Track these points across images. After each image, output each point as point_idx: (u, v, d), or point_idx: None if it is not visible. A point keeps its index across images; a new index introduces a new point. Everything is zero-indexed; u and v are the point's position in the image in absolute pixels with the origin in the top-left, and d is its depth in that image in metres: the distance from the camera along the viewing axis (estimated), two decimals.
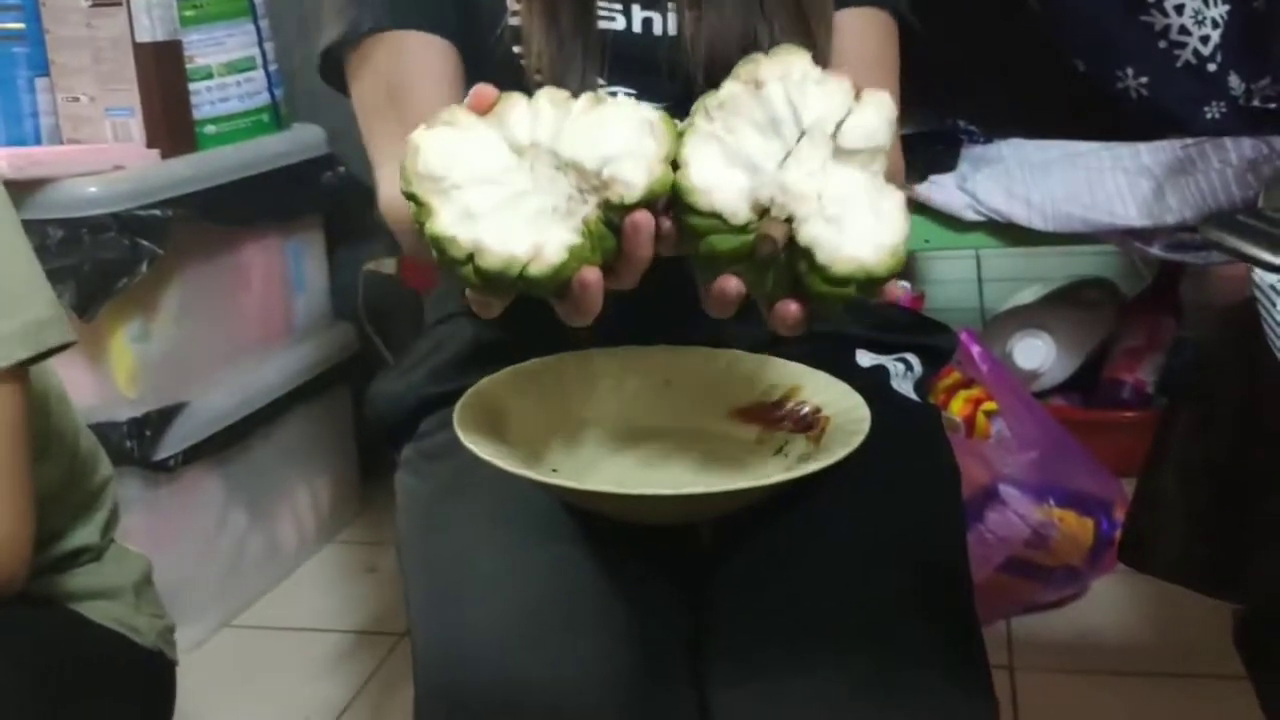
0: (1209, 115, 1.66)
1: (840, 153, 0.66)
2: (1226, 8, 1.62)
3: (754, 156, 0.66)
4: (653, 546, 0.81)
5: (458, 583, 0.78)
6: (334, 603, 1.73)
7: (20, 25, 1.57)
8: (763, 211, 0.65)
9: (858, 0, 0.95)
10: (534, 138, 0.66)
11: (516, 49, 0.89)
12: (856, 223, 0.65)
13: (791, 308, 0.66)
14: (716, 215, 0.65)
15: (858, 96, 0.67)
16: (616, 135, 0.65)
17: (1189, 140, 1.66)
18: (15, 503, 0.81)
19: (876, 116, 0.66)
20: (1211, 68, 1.63)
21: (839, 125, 0.66)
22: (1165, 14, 1.60)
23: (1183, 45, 1.62)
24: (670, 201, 0.66)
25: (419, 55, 0.91)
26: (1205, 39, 1.62)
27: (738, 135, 0.66)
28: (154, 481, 1.53)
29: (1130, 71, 1.64)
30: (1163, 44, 1.62)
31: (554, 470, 0.80)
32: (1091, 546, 1.48)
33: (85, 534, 0.96)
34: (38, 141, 1.61)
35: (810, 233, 0.64)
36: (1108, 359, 1.92)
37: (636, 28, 0.90)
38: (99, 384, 1.48)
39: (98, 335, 1.46)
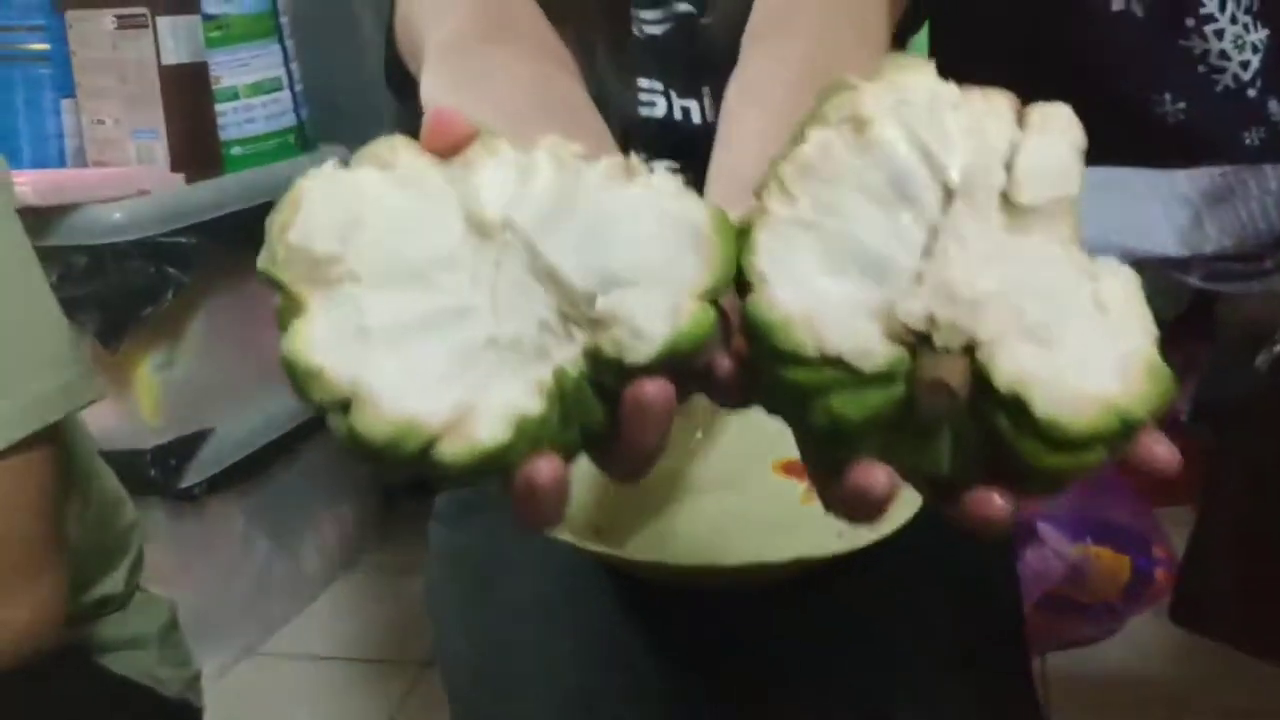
0: (1248, 141, 1.63)
1: (1018, 215, 0.41)
2: (1266, 33, 1.59)
3: (878, 248, 0.41)
4: (698, 601, 0.79)
5: (500, 654, 0.76)
6: (358, 630, 1.71)
7: (46, 46, 1.56)
8: (915, 340, 0.39)
9: None
10: (509, 215, 0.41)
11: None
12: (1079, 333, 0.39)
13: (994, 502, 0.40)
14: (834, 361, 0.39)
15: (1020, 117, 0.41)
16: (636, 240, 0.41)
17: (1227, 167, 1.63)
18: (49, 570, 0.79)
19: (1060, 144, 0.41)
20: (1251, 93, 1.60)
21: (1008, 169, 0.41)
22: (1205, 39, 1.57)
23: (1222, 70, 1.59)
24: (746, 336, 0.41)
25: None
26: (1245, 64, 1.59)
27: (843, 216, 0.41)
28: (178, 511, 1.52)
29: (1168, 96, 1.60)
30: (1201, 69, 1.59)
31: (597, 529, 0.79)
32: (1127, 583, 1.46)
33: (109, 583, 0.94)
34: (62, 163, 1.60)
35: (1014, 365, 0.38)
36: None
37: (678, 115, 0.86)
38: (122, 412, 1.47)
39: (121, 363, 1.45)
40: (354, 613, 1.76)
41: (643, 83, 0.84)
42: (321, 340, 0.38)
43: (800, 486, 0.84)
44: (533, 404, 0.39)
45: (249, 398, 1.63)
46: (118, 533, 0.97)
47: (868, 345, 0.39)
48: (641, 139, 0.82)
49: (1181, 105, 1.62)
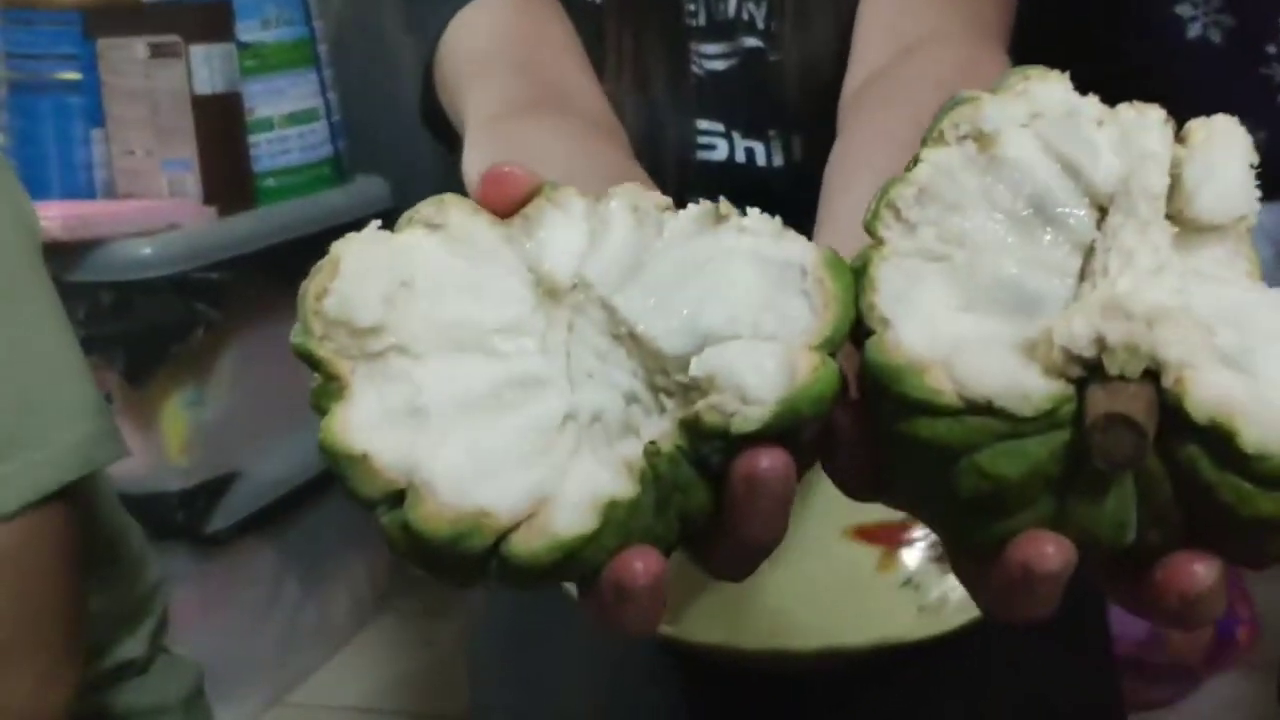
0: None
1: (1190, 234, 0.35)
2: None
3: (1022, 277, 0.35)
4: (764, 684, 0.72)
5: None
6: (389, 679, 1.64)
7: (77, 75, 1.51)
8: (1082, 370, 0.32)
9: None
10: (582, 272, 0.36)
11: None
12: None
13: (1195, 572, 0.33)
14: (981, 407, 0.32)
15: (1180, 132, 0.36)
16: (734, 289, 0.34)
17: None
18: (60, 643, 0.73)
19: (1233, 158, 0.36)
20: None
21: (1175, 181, 0.35)
22: None
23: None
24: (866, 392, 0.35)
25: (557, 19, 0.70)
26: None
27: (975, 244, 0.35)
28: (205, 555, 1.46)
29: (1247, 126, 1.53)
30: None
31: None
32: (1209, 645, 1.37)
33: (130, 647, 0.88)
34: (92, 195, 1.55)
35: (1212, 390, 0.31)
36: None
37: (740, 157, 0.80)
38: (149, 453, 1.41)
39: (149, 402, 1.39)
40: (386, 660, 1.69)
41: (702, 124, 0.79)
42: (367, 423, 0.33)
43: (875, 553, 0.77)
44: (622, 487, 0.33)
45: (280, 438, 1.57)
46: (141, 594, 0.91)
47: (1023, 383, 0.32)
48: (700, 184, 0.76)
49: (1262, 135, 1.55)
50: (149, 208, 1.43)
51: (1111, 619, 1.32)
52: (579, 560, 0.33)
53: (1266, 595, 1.40)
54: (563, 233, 0.36)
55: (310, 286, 0.35)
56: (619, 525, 0.33)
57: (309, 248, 1.54)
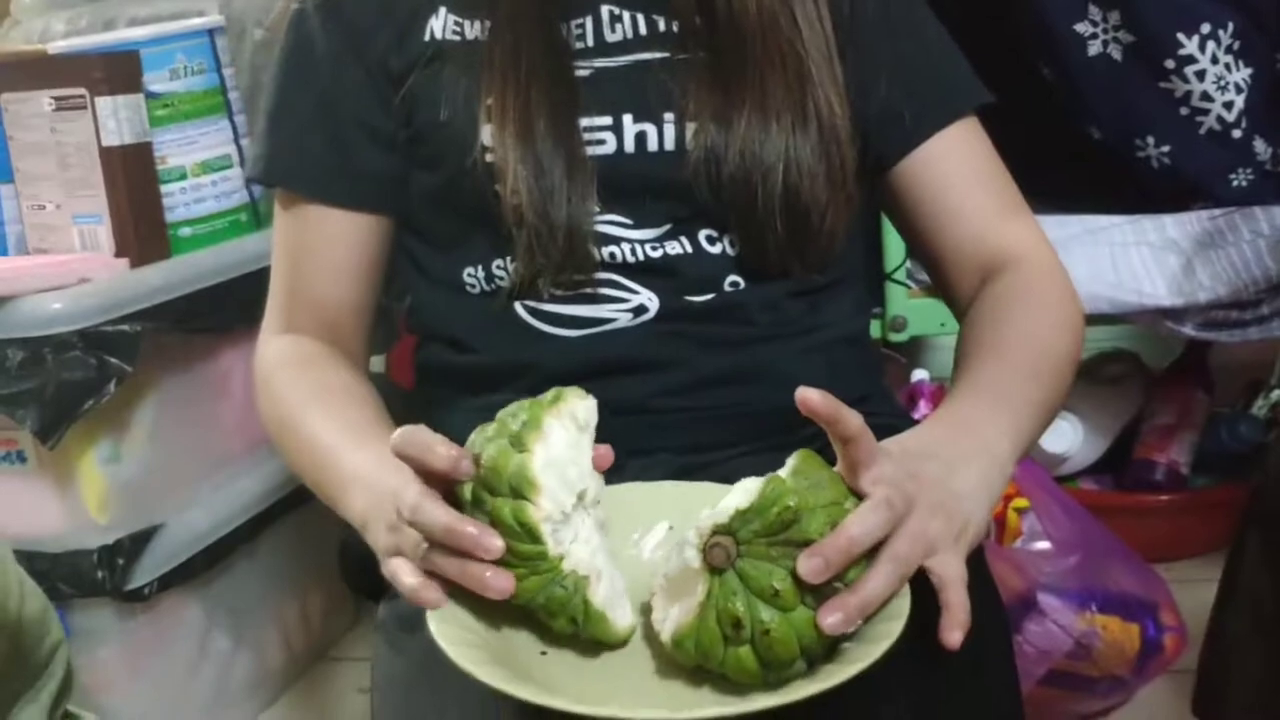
0: (1235, 183, 1.58)
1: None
2: (1249, 71, 1.54)
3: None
4: None
5: None
6: None
7: None
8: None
9: (944, 118, 0.90)
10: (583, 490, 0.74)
11: (497, 187, 0.80)
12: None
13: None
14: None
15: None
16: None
17: (1216, 211, 1.57)
18: None
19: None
20: (1236, 134, 1.55)
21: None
22: (1186, 80, 1.52)
23: (1205, 112, 1.54)
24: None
25: (315, 231, 0.91)
26: (1229, 105, 1.54)
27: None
28: (129, 612, 1.43)
29: (1151, 140, 1.55)
30: (1184, 111, 1.54)
31: (543, 653, 0.70)
32: (1137, 653, 1.38)
33: (29, 716, 0.86)
34: (4, 252, 1.53)
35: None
36: (1138, 438, 1.82)
37: (629, 147, 0.81)
38: (67, 511, 1.38)
39: (64, 459, 1.36)
40: (322, 710, 1.67)
41: (584, 123, 0.80)
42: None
43: None
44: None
45: (204, 485, 1.55)
46: (41, 656, 0.89)
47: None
48: (583, 180, 0.80)
49: (1166, 149, 1.57)
50: (58, 262, 1.41)
51: (1033, 639, 1.33)
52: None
53: (1192, 603, 1.41)
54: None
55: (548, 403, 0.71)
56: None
57: (225, 295, 1.53)
